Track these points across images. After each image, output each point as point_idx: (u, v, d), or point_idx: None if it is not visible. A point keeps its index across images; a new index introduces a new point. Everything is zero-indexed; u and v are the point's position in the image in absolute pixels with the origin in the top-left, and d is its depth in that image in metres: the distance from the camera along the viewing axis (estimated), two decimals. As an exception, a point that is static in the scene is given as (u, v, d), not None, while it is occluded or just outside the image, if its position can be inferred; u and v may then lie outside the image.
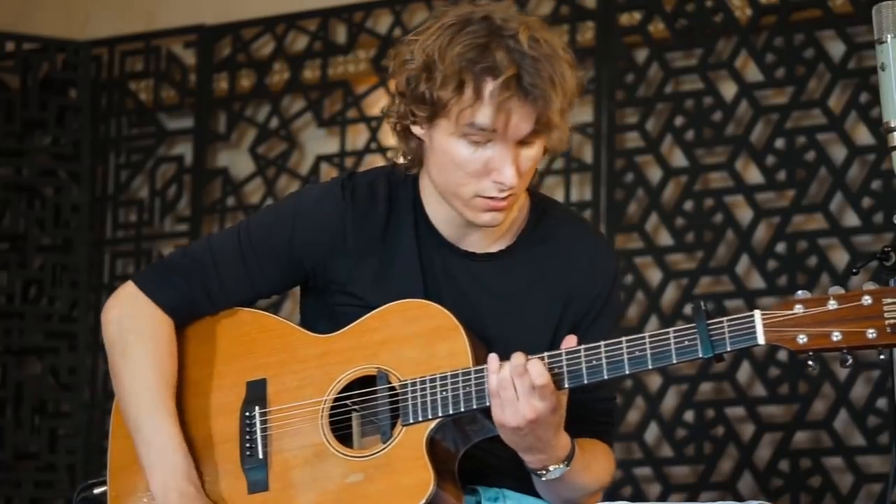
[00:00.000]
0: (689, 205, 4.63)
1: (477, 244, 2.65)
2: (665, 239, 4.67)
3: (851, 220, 4.44)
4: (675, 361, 2.39)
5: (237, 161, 5.34)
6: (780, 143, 4.55)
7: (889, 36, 2.46)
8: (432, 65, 2.48)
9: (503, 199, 2.53)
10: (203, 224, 5.29)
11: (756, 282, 4.53)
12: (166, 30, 5.45)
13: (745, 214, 4.56)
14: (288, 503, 2.54)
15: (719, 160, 4.62)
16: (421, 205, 2.66)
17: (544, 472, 2.52)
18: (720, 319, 2.36)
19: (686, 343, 2.37)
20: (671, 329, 2.39)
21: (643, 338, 2.40)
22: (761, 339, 2.32)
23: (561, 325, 2.64)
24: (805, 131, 4.53)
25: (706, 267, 4.59)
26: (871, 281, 2.31)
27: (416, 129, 2.57)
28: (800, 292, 2.33)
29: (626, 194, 4.70)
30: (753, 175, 4.58)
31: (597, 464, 2.62)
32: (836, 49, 4.53)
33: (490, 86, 2.45)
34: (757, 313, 2.33)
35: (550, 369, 2.41)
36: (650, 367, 2.39)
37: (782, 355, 4.42)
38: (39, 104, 5.44)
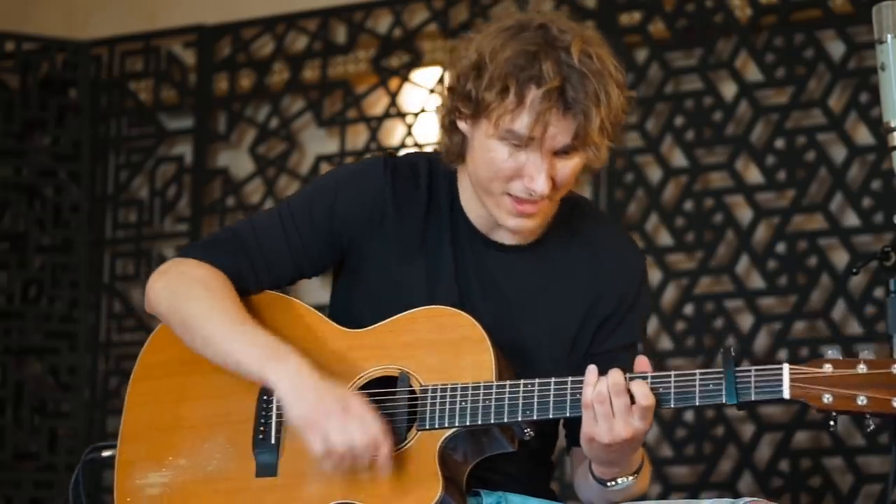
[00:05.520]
0: (689, 205, 4.63)
1: (508, 237, 2.65)
2: (665, 239, 4.67)
3: (851, 220, 4.44)
4: (697, 404, 2.40)
5: (237, 161, 5.34)
6: (780, 143, 4.55)
7: (889, 36, 2.46)
8: (482, 65, 2.49)
9: (532, 202, 2.52)
10: (203, 224, 5.28)
11: (756, 282, 4.53)
12: (166, 30, 5.45)
13: (745, 214, 4.56)
14: (294, 491, 2.52)
15: (719, 160, 4.62)
16: (458, 195, 2.67)
17: (613, 483, 2.54)
18: (748, 368, 2.37)
19: (711, 387, 2.38)
20: (697, 370, 2.40)
21: (668, 376, 2.41)
22: (787, 394, 2.33)
23: (586, 321, 2.64)
24: (805, 131, 4.53)
25: (706, 267, 4.59)
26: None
27: (462, 125, 2.57)
28: (829, 352, 2.34)
29: (626, 194, 4.70)
30: (753, 175, 4.58)
31: (648, 473, 2.65)
32: (836, 49, 4.53)
33: (532, 94, 2.45)
34: (785, 367, 2.34)
35: (654, 389, 2.40)
36: (672, 405, 2.41)
37: (783, 355, 4.42)
38: (39, 104, 5.44)
